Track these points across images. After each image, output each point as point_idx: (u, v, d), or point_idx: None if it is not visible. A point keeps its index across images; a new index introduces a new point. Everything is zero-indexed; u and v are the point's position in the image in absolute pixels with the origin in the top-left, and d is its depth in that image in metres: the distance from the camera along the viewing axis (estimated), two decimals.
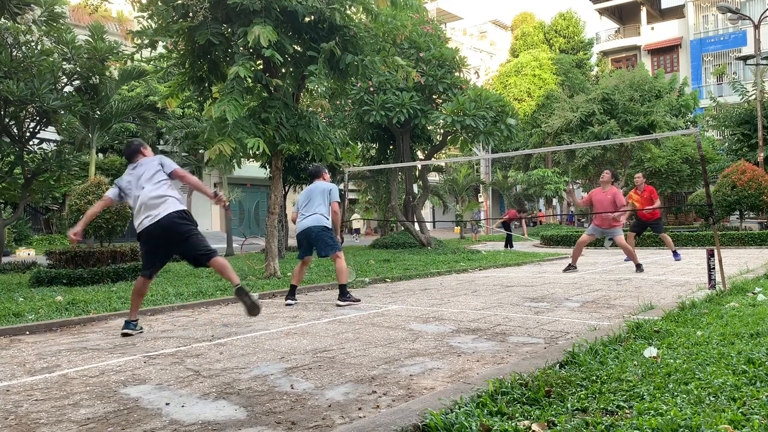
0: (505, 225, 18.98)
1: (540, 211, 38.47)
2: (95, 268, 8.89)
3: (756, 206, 16.34)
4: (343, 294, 6.65)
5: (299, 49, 9.15)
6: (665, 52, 39.31)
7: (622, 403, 2.52)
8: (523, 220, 20.33)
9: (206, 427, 2.68)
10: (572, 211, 15.68)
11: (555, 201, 37.81)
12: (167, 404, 3.02)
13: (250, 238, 12.31)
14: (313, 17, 8.80)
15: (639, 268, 9.41)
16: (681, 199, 30.75)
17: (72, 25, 16.07)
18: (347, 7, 8.74)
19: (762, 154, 18.84)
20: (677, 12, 40.29)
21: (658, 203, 11.17)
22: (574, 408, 2.50)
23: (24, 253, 19.83)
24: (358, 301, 6.72)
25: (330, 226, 6.79)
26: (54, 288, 8.18)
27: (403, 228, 18.18)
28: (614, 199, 9.65)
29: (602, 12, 42.58)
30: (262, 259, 11.25)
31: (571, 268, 9.81)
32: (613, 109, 23.52)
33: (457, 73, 16.03)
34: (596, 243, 15.81)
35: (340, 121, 16.28)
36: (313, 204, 6.85)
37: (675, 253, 11.07)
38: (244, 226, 33.91)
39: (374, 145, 19.33)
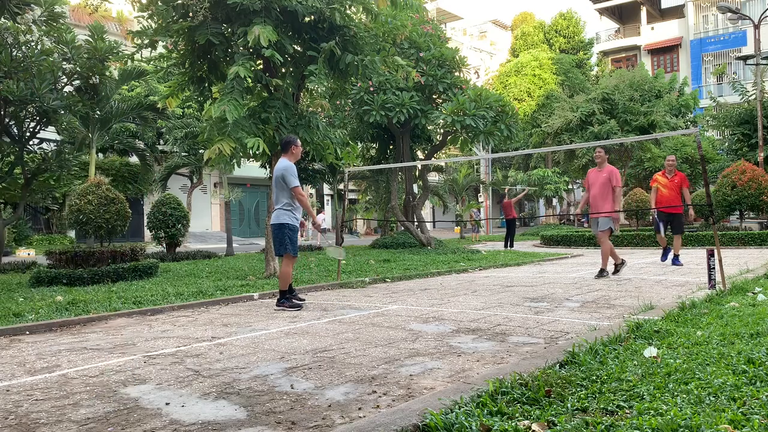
0: (508, 224, 18.92)
1: (550, 212, 38.57)
2: (95, 268, 8.89)
3: (756, 206, 16.33)
4: (279, 300, 6.31)
5: (299, 49, 9.15)
6: (665, 52, 39.33)
7: (622, 403, 2.52)
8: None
9: (206, 427, 2.68)
10: (582, 212, 15.27)
11: (555, 201, 37.83)
12: (167, 404, 3.02)
13: None
14: (313, 17, 8.81)
15: (616, 268, 8.57)
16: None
17: (72, 25, 16.08)
18: (347, 7, 8.74)
19: (762, 154, 18.84)
20: (677, 12, 40.31)
21: (687, 196, 9.88)
22: (574, 408, 2.50)
23: (24, 253, 19.83)
24: (297, 308, 6.21)
25: (287, 222, 6.23)
26: (54, 288, 8.18)
27: (403, 228, 18.18)
28: (609, 177, 8.39)
29: (602, 12, 42.60)
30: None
31: (618, 266, 8.63)
32: (613, 109, 23.54)
33: (457, 73, 16.03)
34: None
35: (340, 121, 16.27)
36: (275, 195, 6.42)
37: (676, 258, 10.01)
38: (243, 226, 33.93)
39: (374, 145, 19.33)
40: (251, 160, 10.52)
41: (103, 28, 11.92)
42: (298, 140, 6.65)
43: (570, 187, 36.33)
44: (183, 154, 20.93)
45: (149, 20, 8.75)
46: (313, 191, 34.91)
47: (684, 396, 2.56)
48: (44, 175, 12.42)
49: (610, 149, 22.92)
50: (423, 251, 15.14)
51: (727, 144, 22.69)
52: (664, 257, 10.32)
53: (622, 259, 8.75)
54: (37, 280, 8.64)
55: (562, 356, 3.33)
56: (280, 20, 8.48)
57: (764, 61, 19.73)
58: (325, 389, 3.20)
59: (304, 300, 6.73)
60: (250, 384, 3.35)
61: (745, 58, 20.99)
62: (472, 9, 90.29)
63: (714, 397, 2.54)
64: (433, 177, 30.63)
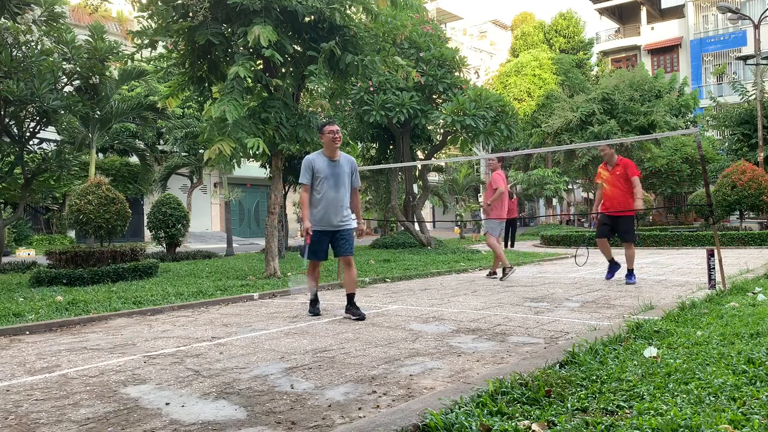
0: (508, 224, 18.90)
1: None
2: (95, 268, 8.89)
3: (756, 206, 16.34)
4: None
5: (299, 49, 9.15)
6: (665, 52, 39.31)
7: (622, 403, 2.52)
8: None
9: (206, 427, 2.68)
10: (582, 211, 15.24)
11: (555, 201, 37.81)
12: (167, 404, 3.02)
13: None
14: (313, 17, 8.81)
15: (504, 272, 8.58)
16: (681, 199, 30.72)
17: (72, 25, 16.07)
18: (347, 7, 8.75)
19: (762, 154, 18.85)
20: (677, 12, 40.30)
21: (638, 188, 7.56)
22: (574, 408, 2.50)
23: (24, 253, 19.83)
24: (317, 315, 5.77)
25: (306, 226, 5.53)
26: (54, 288, 8.18)
27: (403, 228, 18.17)
28: (491, 181, 8.65)
29: (602, 12, 42.59)
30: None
31: (506, 270, 8.69)
32: (613, 109, 23.54)
33: (457, 73, 16.03)
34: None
35: (340, 121, 16.27)
36: None
37: (630, 273, 7.62)
38: (243, 226, 33.93)
39: (374, 145, 19.34)
40: (251, 160, 10.53)
41: (103, 28, 11.92)
42: (328, 125, 5.57)
43: (570, 187, 36.35)
44: (183, 154, 20.94)
45: (149, 20, 8.75)
46: None
47: (684, 396, 2.56)
48: (44, 175, 12.42)
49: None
50: (423, 251, 15.14)
51: (727, 144, 22.69)
52: (609, 274, 8.01)
53: (512, 265, 8.98)
54: (37, 280, 8.64)
55: (562, 356, 3.33)
56: (280, 20, 8.48)
57: (764, 61, 19.73)
58: (325, 389, 3.20)
59: (363, 315, 5.60)
60: (250, 384, 3.35)
61: (745, 58, 21.00)
62: (472, 9, 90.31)
63: (714, 397, 2.54)
64: (433, 177, 30.64)
